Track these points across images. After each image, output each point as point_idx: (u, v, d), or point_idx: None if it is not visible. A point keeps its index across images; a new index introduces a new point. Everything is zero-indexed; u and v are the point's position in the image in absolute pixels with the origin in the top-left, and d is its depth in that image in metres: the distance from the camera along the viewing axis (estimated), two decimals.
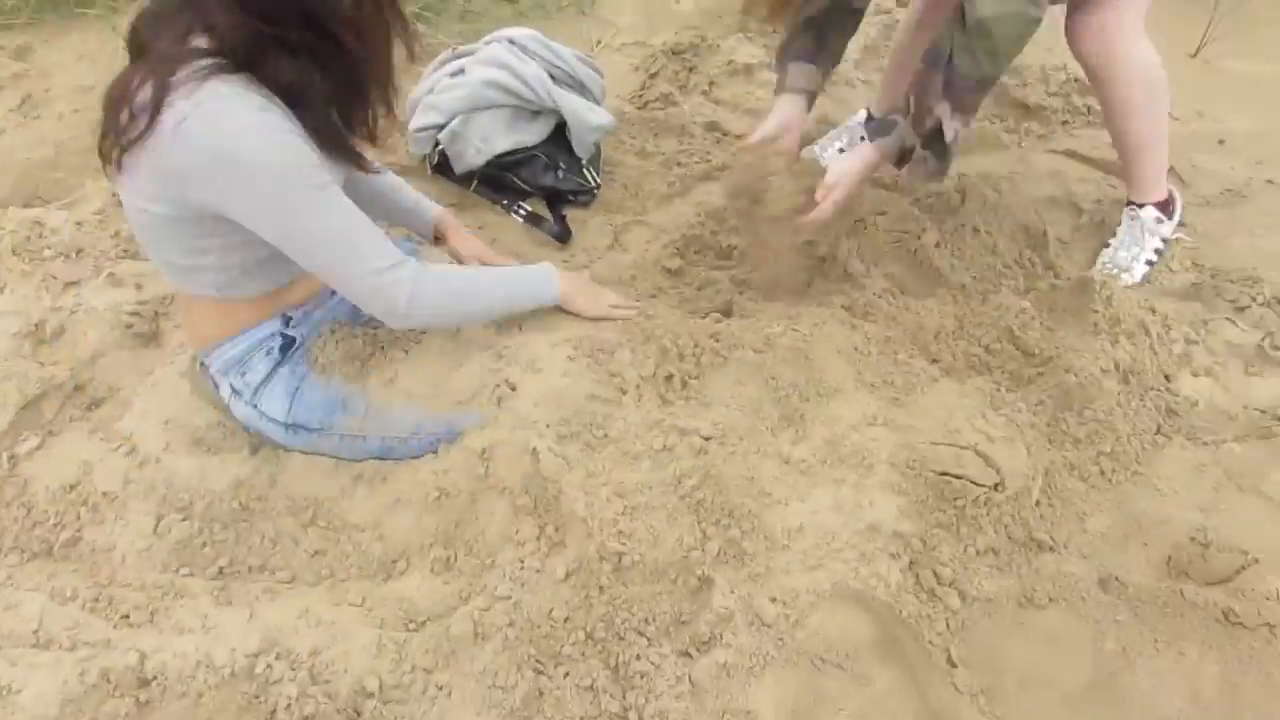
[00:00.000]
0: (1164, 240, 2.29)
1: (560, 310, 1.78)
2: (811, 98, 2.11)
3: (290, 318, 1.69)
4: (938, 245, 2.28)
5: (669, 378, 1.73)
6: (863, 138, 1.99)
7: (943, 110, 1.87)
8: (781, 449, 1.64)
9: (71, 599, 1.49)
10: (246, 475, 1.70)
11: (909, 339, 1.96)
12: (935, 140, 1.92)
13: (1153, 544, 1.66)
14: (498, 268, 1.80)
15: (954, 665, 1.46)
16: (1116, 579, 1.58)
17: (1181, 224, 2.40)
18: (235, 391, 1.70)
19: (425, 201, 1.98)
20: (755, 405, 1.70)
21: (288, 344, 1.68)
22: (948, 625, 1.49)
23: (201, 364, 1.75)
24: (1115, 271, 2.23)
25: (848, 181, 1.96)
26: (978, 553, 1.59)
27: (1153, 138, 2.19)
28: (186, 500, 1.67)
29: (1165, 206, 2.30)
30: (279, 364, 1.68)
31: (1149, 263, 2.26)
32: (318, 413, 1.66)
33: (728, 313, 2.01)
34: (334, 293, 1.74)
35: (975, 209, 2.33)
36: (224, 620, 1.44)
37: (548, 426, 1.59)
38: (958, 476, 1.59)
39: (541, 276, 1.75)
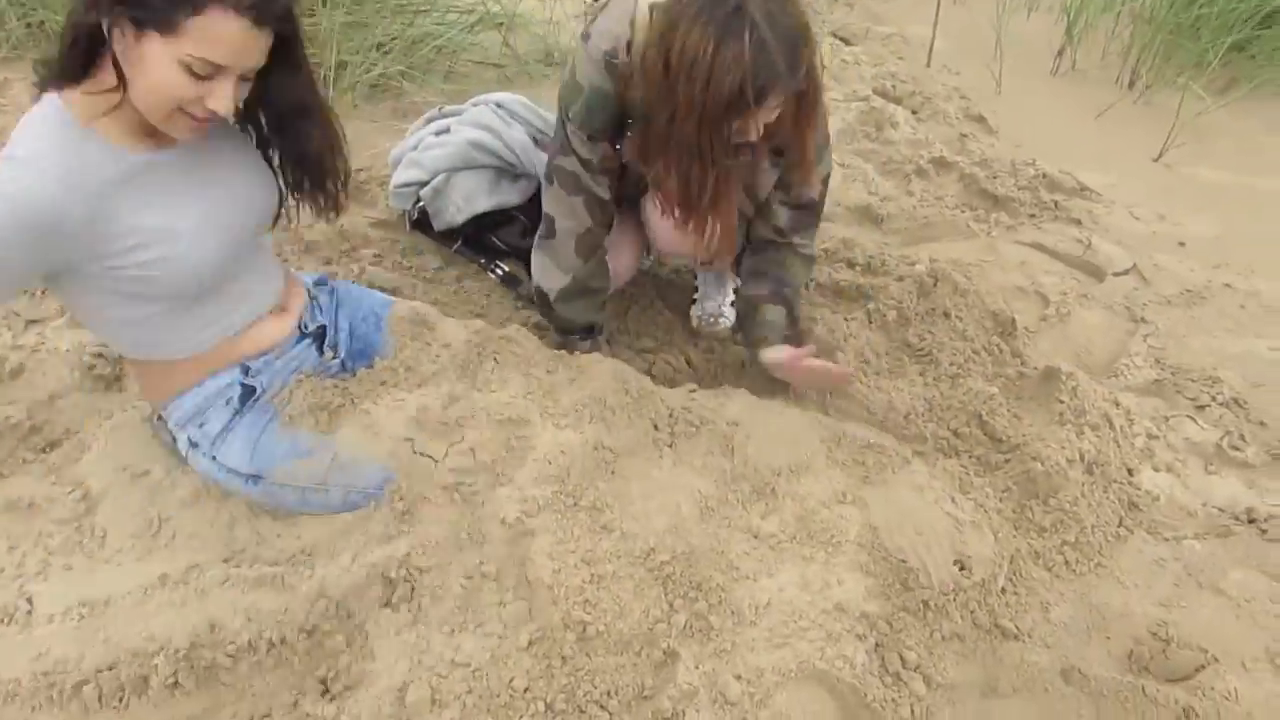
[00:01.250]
0: None
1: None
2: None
3: (249, 367, 1.65)
4: (909, 327, 2.32)
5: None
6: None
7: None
8: (751, 523, 1.63)
9: None
10: None
11: (880, 418, 1.98)
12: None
13: (1115, 637, 1.67)
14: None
15: None
16: (1079, 671, 1.58)
17: (1143, 320, 2.46)
18: (193, 444, 1.65)
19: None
20: (726, 478, 1.69)
21: (248, 393, 1.64)
22: (912, 711, 1.48)
23: (158, 418, 1.71)
24: None
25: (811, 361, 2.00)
26: (943, 638, 1.59)
27: None
28: None
29: None
30: (238, 413, 1.64)
31: None
32: (281, 463, 1.62)
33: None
34: (297, 341, 1.72)
35: (946, 294, 2.37)
36: None
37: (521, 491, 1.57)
38: (919, 568, 1.59)
39: None
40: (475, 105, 2.55)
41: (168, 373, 1.61)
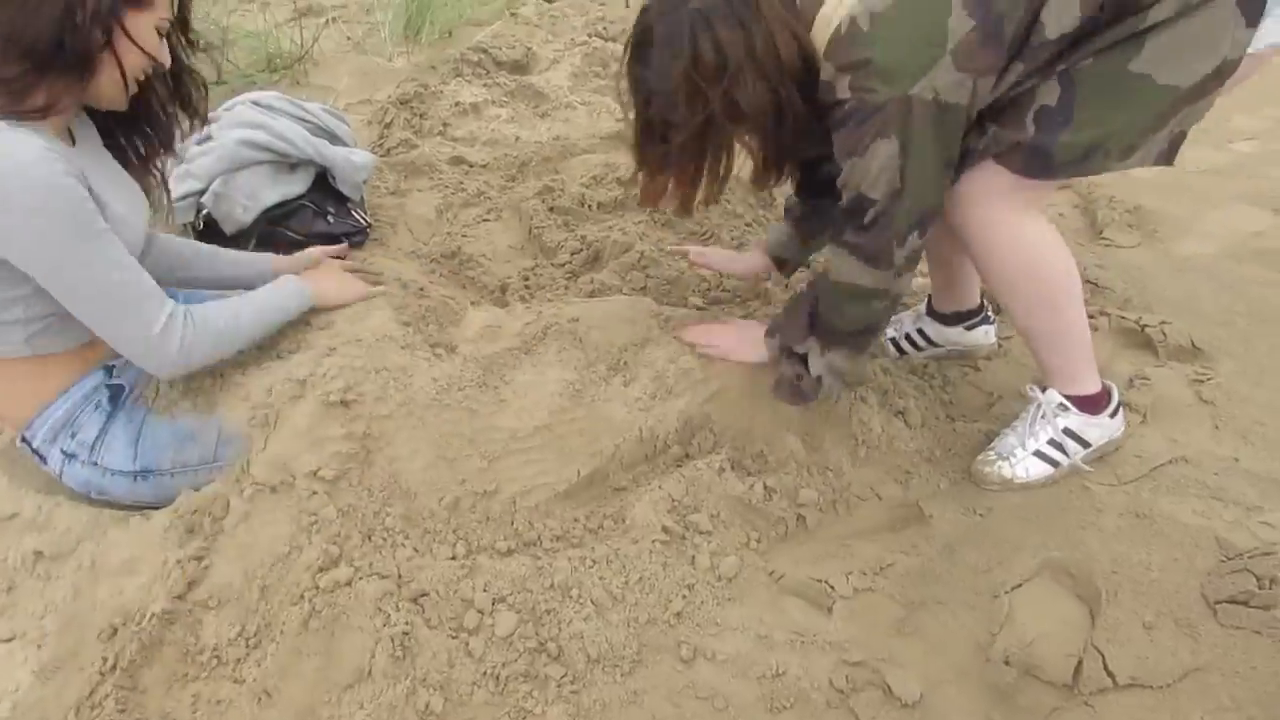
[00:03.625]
0: (1068, 435, 1.81)
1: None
2: (779, 262, 2.16)
3: (113, 366, 1.67)
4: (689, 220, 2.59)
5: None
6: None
7: (809, 344, 1.78)
8: (615, 392, 1.84)
9: None
10: None
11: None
12: (797, 363, 1.81)
13: None
14: (253, 295, 1.76)
15: None
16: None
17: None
18: (68, 455, 1.66)
19: (253, 259, 2.05)
20: (582, 364, 1.88)
21: (116, 392, 1.67)
22: None
23: (22, 439, 1.69)
24: (993, 458, 1.84)
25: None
26: None
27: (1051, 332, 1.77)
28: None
29: (1085, 403, 1.81)
30: (111, 414, 1.66)
31: (1041, 455, 1.81)
32: (168, 452, 1.66)
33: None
34: None
35: None
36: None
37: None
38: None
39: (293, 291, 1.79)
40: (230, 109, 2.57)
41: (40, 374, 1.62)
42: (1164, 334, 2.17)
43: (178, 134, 1.75)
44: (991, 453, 1.85)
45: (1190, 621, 1.53)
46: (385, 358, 1.75)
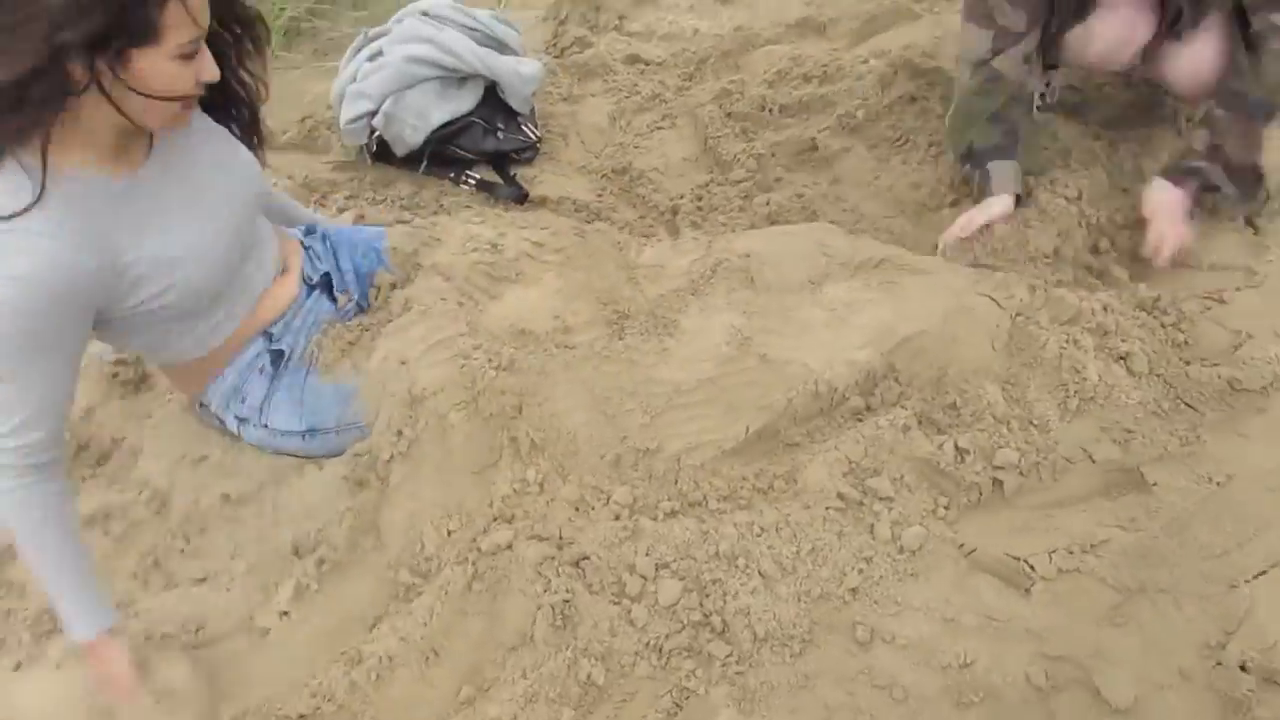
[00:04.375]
0: None
1: None
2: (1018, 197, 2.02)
3: (271, 333, 1.67)
4: (881, 121, 2.33)
5: None
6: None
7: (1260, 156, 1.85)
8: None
9: None
10: None
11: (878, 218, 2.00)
12: (1251, 180, 1.89)
13: None
14: (79, 560, 1.42)
15: None
16: None
17: None
18: (241, 419, 1.70)
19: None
20: (753, 309, 1.73)
21: (277, 357, 1.67)
22: None
23: (200, 405, 1.74)
24: None
25: (1180, 227, 1.90)
26: None
27: None
28: None
29: None
30: (275, 377, 1.67)
31: None
32: (333, 411, 1.66)
33: None
34: (308, 294, 1.73)
35: (906, 80, 2.38)
36: None
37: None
38: None
39: (86, 616, 1.41)
40: (400, 21, 2.51)
41: (195, 368, 1.65)
42: None
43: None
44: None
45: None
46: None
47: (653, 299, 1.71)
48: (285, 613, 1.55)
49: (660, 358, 1.64)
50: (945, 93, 2.37)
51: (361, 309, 1.81)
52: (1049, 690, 1.33)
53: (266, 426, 1.69)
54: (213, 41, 1.34)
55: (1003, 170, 1.95)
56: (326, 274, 1.79)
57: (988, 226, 1.92)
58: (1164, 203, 1.88)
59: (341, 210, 2.45)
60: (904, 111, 2.36)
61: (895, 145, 2.32)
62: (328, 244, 1.86)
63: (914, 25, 2.77)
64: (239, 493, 1.75)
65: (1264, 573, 1.40)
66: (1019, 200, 1.97)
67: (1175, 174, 1.85)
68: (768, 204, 2.20)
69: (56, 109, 1.22)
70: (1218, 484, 1.53)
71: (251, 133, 1.60)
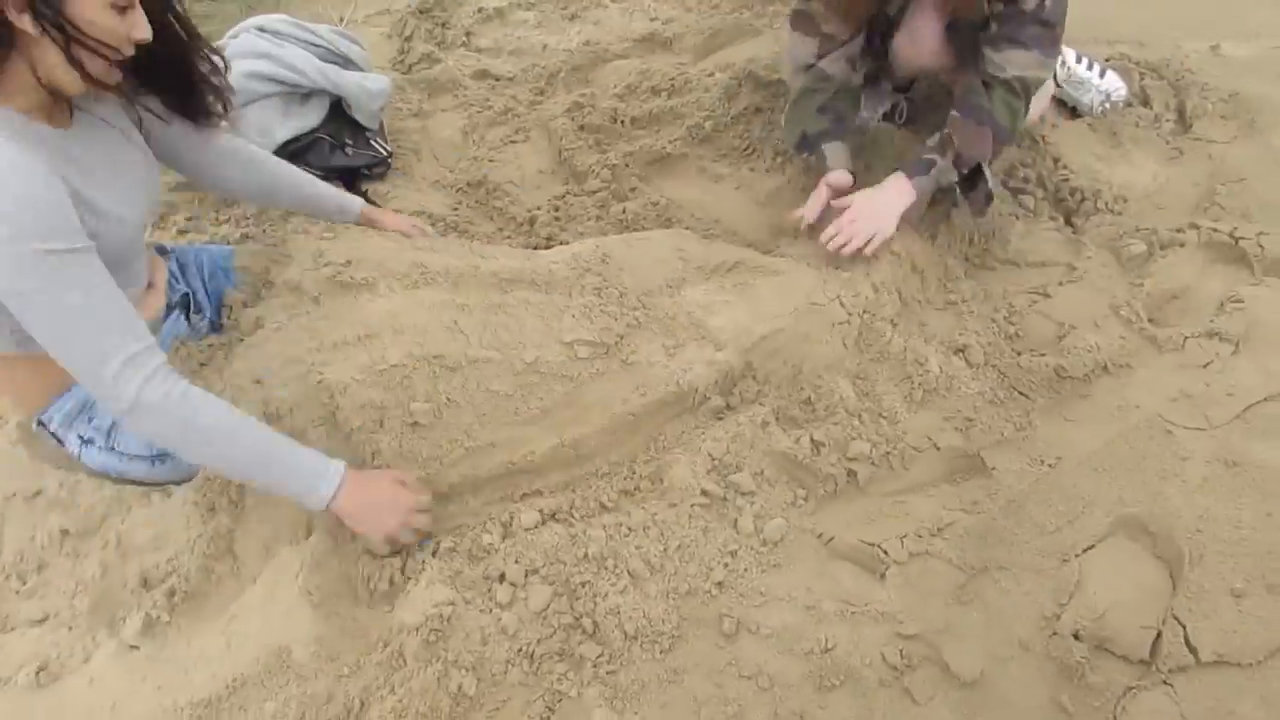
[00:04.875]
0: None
1: None
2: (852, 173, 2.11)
3: None
4: (728, 131, 2.39)
5: None
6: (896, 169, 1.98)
7: (985, 157, 1.98)
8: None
9: None
10: None
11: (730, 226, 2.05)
12: (973, 184, 2.02)
13: None
14: (277, 438, 1.42)
15: None
16: None
17: None
18: (85, 441, 1.60)
19: (347, 199, 1.92)
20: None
21: None
22: None
23: (39, 424, 1.64)
24: None
25: (893, 221, 1.93)
26: None
27: None
28: None
29: None
30: None
31: None
32: None
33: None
34: (166, 315, 1.67)
35: (749, 92, 2.46)
36: None
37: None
38: None
39: (320, 475, 1.42)
40: (235, 37, 2.43)
41: (38, 375, 1.54)
42: (1261, 246, 1.95)
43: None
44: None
45: None
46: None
47: (514, 304, 1.70)
48: (134, 646, 1.47)
49: (526, 363, 1.63)
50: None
51: (214, 328, 1.75)
52: (904, 669, 1.39)
53: (113, 449, 1.60)
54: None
55: (834, 150, 2.08)
56: (186, 294, 1.73)
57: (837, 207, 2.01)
58: (884, 194, 1.94)
59: (182, 233, 2.36)
60: (750, 122, 2.43)
61: (743, 154, 2.40)
62: (171, 263, 1.79)
63: (756, 40, 2.86)
64: (79, 527, 1.66)
65: (1091, 547, 1.51)
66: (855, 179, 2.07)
67: (907, 165, 1.97)
68: (624, 212, 2.22)
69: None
70: (1049, 466, 1.64)
71: (186, 102, 1.58)
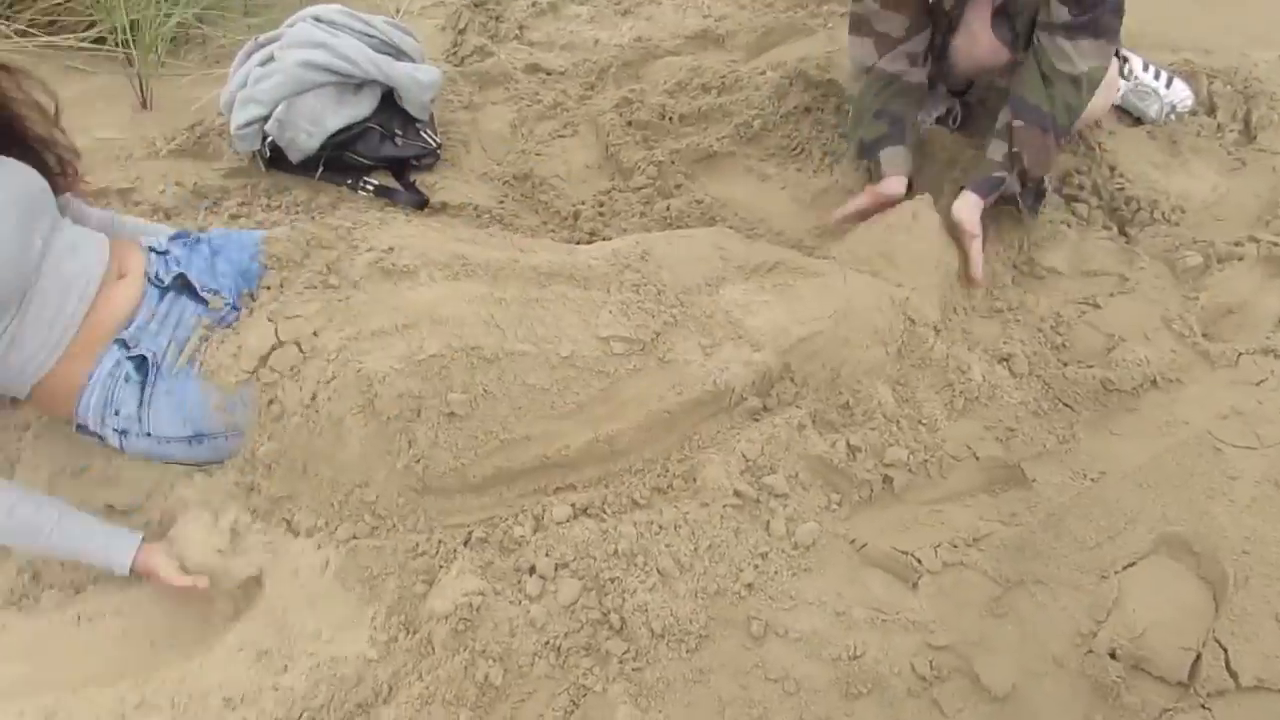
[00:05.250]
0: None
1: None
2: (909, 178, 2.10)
3: (124, 339, 1.60)
4: (776, 130, 2.38)
5: None
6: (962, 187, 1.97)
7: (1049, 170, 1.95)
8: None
9: None
10: None
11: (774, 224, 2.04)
12: (1035, 191, 2.00)
13: None
14: (79, 516, 1.54)
15: None
16: None
17: None
18: (121, 431, 1.62)
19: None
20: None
21: (141, 363, 1.60)
22: None
23: (78, 427, 1.67)
24: None
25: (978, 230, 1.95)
26: None
27: None
28: None
29: None
30: (145, 384, 1.60)
31: None
32: (218, 415, 1.61)
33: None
34: (160, 297, 1.67)
35: (800, 91, 2.44)
36: None
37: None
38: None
39: (116, 546, 1.52)
40: (292, 26, 2.46)
41: (54, 386, 1.58)
42: None
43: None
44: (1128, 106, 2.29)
45: None
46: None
47: (551, 299, 1.71)
48: None
49: (562, 357, 1.63)
50: (839, 104, 2.44)
51: (236, 311, 1.75)
52: (933, 680, 1.37)
53: (149, 435, 1.62)
54: None
55: (891, 155, 2.04)
56: (181, 275, 1.73)
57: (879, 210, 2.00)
58: (971, 217, 1.94)
59: (234, 217, 2.39)
60: (799, 121, 2.41)
61: (791, 154, 2.38)
62: (195, 251, 1.79)
63: (809, 39, 2.84)
64: (124, 503, 1.69)
65: (1132, 564, 1.48)
66: (911, 184, 2.06)
67: (979, 185, 1.95)
68: (668, 209, 2.22)
69: None
70: (1091, 480, 1.61)
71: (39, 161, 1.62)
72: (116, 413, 1.60)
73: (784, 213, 2.21)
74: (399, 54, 2.49)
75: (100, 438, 1.65)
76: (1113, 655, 1.35)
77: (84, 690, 1.41)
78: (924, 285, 1.84)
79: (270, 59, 2.37)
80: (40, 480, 1.71)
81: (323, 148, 2.37)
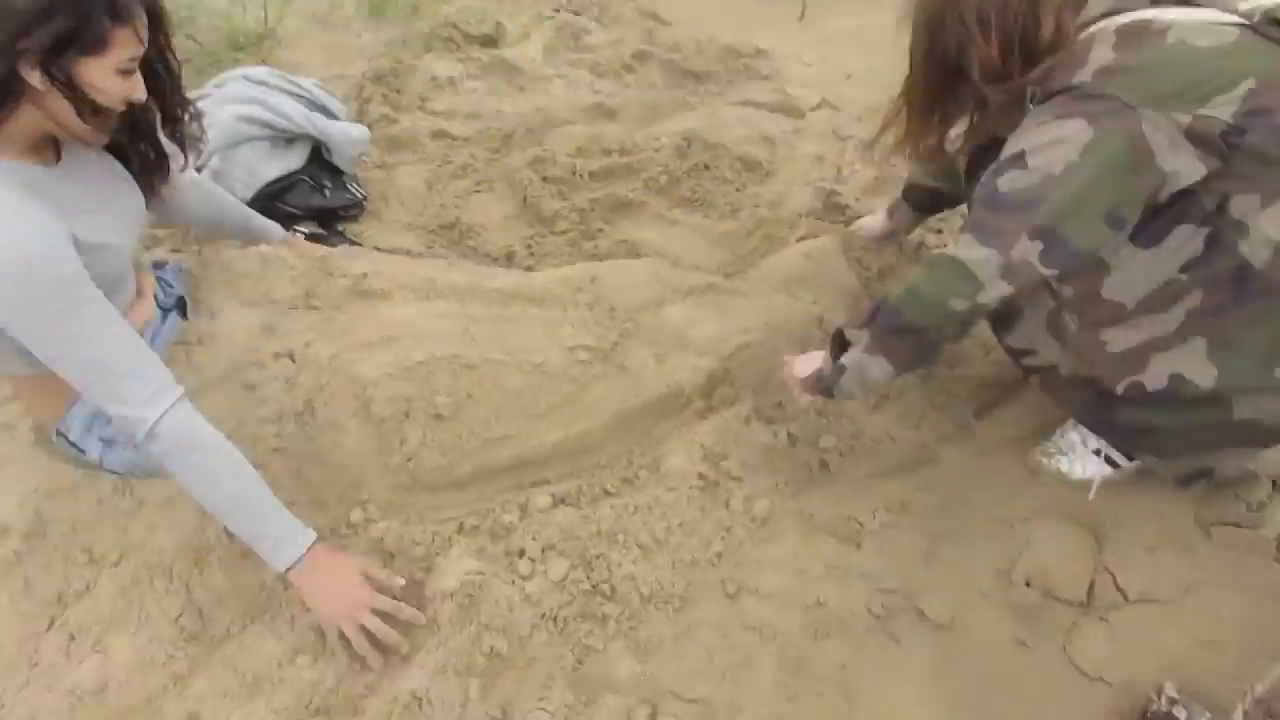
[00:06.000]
0: None
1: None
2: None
3: None
4: (681, 184, 2.66)
5: None
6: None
7: (862, 334, 1.62)
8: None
9: None
10: None
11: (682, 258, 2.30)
12: (836, 354, 1.69)
13: None
14: (268, 495, 1.49)
15: None
16: None
17: (848, 136, 2.94)
18: (108, 442, 1.66)
19: (280, 232, 2.08)
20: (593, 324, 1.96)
21: None
22: None
23: (57, 434, 1.70)
24: (1052, 451, 1.85)
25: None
26: None
27: None
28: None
29: None
30: None
31: (1102, 455, 1.79)
32: None
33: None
34: (163, 318, 1.76)
35: (698, 151, 2.74)
36: None
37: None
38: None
39: (288, 541, 1.49)
40: (220, 86, 2.56)
41: (54, 385, 1.61)
42: None
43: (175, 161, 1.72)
44: (1051, 445, 1.83)
45: (1189, 544, 1.66)
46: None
47: (517, 315, 1.89)
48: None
49: (534, 365, 1.81)
50: (732, 163, 2.75)
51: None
52: (886, 617, 1.60)
53: (138, 448, 1.67)
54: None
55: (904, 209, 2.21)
56: (180, 298, 1.83)
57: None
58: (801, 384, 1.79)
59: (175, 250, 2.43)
60: (700, 177, 2.70)
61: (695, 204, 2.65)
62: (182, 275, 1.89)
63: (693, 113, 3.17)
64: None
65: (1028, 518, 1.76)
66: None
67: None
68: (595, 248, 2.43)
69: (9, 110, 1.33)
70: (986, 455, 1.90)
71: (153, 169, 1.68)
72: (108, 423, 1.64)
73: (698, 251, 2.46)
74: (327, 113, 2.63)
75: (80, 450, 1.68)
76: (1027, 584, 1.62)
77: None
78: (833, 304, 2.13)
79: (203, 113, 2.46)
80: (11, 503, 1.71)
81: (256, 197, 2.46)
